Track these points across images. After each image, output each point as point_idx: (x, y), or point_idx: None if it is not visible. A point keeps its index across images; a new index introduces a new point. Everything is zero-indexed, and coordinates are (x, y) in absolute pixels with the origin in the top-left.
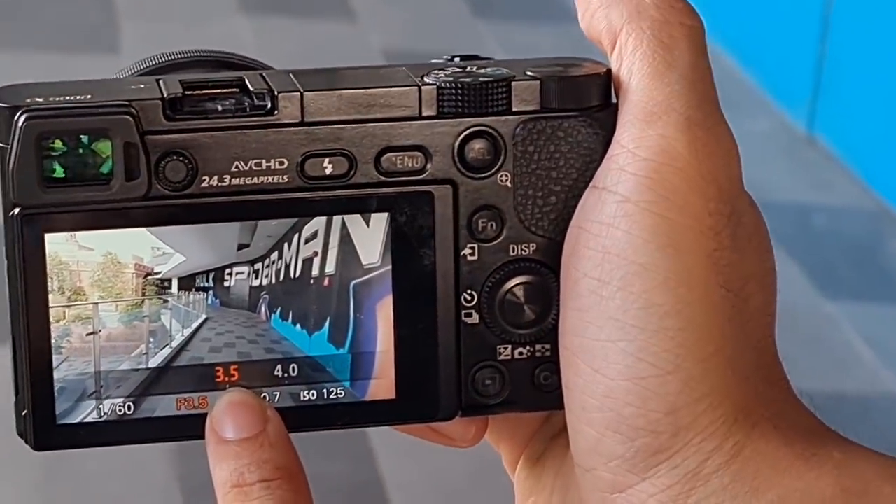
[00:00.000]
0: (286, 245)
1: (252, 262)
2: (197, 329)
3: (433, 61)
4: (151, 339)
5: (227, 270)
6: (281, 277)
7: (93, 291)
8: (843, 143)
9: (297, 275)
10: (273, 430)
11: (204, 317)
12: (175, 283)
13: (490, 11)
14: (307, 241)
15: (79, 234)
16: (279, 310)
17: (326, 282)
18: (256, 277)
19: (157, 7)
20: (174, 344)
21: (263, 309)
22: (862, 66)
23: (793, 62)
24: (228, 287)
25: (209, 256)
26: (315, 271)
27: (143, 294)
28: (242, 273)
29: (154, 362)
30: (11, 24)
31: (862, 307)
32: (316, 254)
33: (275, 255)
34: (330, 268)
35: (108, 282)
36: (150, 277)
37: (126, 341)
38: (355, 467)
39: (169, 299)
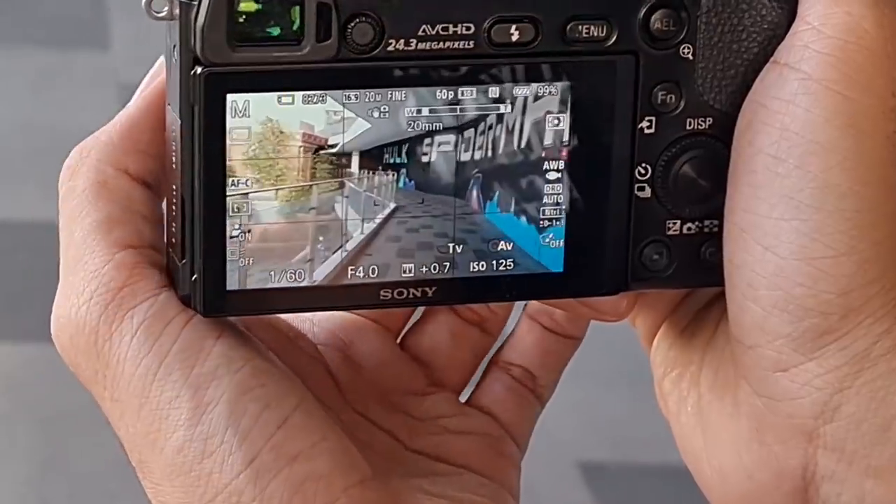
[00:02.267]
0: (486, 114)
1: (460, 129)
2: (383, 223)
3: None
4: (321, 238)
5: (427, 140)
6: (492, 152)
7: (244, 172)
8: None
9: (502, 149)
10: None
11: (393, 205)
12: (356, 159)
13: None
14: (500, 111)
15: (254, 95)
16: (497, 194)
17: (521, 156)
18: (467, 149)
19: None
20: (350, 245)
21: (475, 193)
22: None
23: None
24: (428, 163)
25: (399, 125)
26: (513, 145)
27: (313, 174)
28: (447, 143)
29: (320, 274)
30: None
31: None
32: (511, 125)
33: (482, 125)
34: (522, 140)
35: (264, 160)
36: (322, 152)
37: (285, 242)
38: None
39: (346, 181)
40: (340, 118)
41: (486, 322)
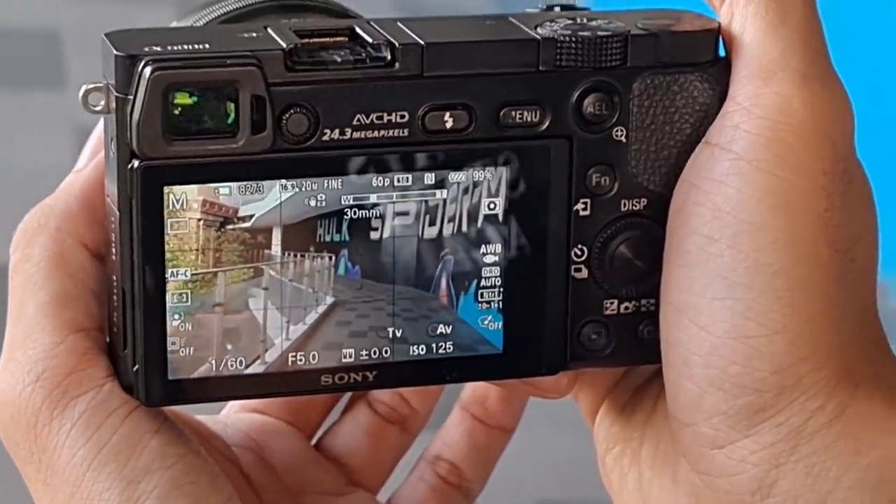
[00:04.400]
0: (424, 200)
1: (413, 196)
2: (314, 328)
3: (530, 11)
4: (229, 346)
5: (377, 208)
6: (430, 238)
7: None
8: None
9: (439, 234)
10: None
11: (330, 300)
12: (276, 237)
13: None
14: (436, 197)
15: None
16: (466, 282)
17: (458, 240)
18: (431, 223)
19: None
20: (269, 357)
21: (443, 280)
22: None
23: None
24: (378, 241)
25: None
26: (450, 229)
27: (216, 258)
28: (406, 214)
29: (237, 372)
30: None
31: None
32: (448, 210)
33: (421, 211)
34: (459, 225)
35: (178, 243)
36: (230, 227)
37: (189, 343)
38: None
39: (265, 267)
40: (255, 185)
41: (406, 420)
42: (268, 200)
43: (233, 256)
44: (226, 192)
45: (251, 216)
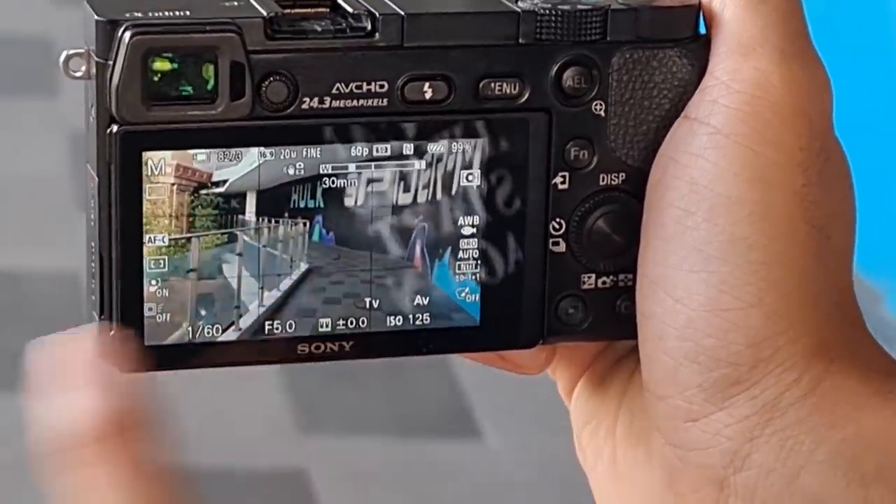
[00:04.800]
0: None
1: (397, 162)
2: (289, 294)
3: None
4: (203, 312)
5: (351, 176)
6: (408, 207)
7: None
8: None
9: (417, 205)
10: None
11: (305, 266)
12: (251, 202)
13: None
14: (415, 167)
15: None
16: (442, 251)
17: (436, 211)
18: (406, 191)
19: None
20: (244, 323)
21: (418, 249)
22: None
23: None
24: (353, 208)
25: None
26: (428, 200)
27: (190, 223)
28: (380, 180)
29: (214, 339)
30: None
31: None
32: (426, 181)
33: (399, 180)
34: (437, 196)
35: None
36: (203, 192)
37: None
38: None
39: (239, 233)
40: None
41: None
42: (242, 165)
43: (207, 222)
44: (201, 158)
45: (225, 181)
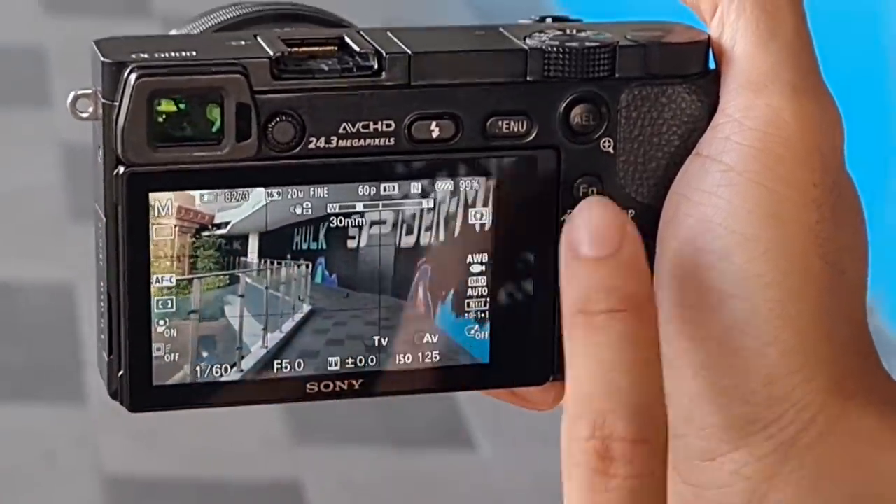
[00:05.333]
0: (410, 209)
1: (397, 205)
2: (292, 334)
3: (522, 22)
4: (205, 353)
5: (356, 217)
6: (417, 247)
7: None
8: None
9: (426, 243)
10: (627, 251)
11: (307, 308)
12: (253, 244)
13: None
14: (422, 206)
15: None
16: (446, 294)
17: (445, 250)
18: (409, 232)
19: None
20: (246, 364)
21: (421, 292)
22: None
23: None
24: (356, 249)
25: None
26: (437, 239)
27: (192, 266)
28: (383, 222)
29: (245, 367)
30: None
31: None
32: (434, 219)
33: (406, 220)
34: (445, 234)
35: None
36: (206, 233)
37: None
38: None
39: (241, 275)
40: (233, 193)
41: None
42: (245, 207)
43: (209, 263)
44: (205, 199)
45: (227, 223)
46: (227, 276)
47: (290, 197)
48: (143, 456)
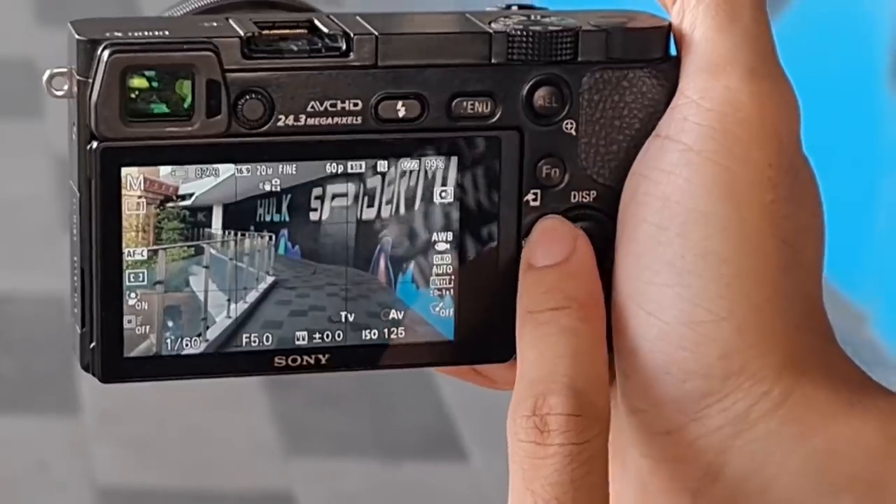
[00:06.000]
0: (375, 187)
1: (359, 178)
2: (256, 305)
3: (490, 9)
4: (170, 323)
5: (317, 189)
6: (382, 224)
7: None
8: None
9: (392, 221)
10: (576, 260)
11: (271, 279)
12: (217, 215)
13: None
14: (389, 184)
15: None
16: (407, 265)
17: (411, 228)
18: (370, 204)
19: None
20: (211, 335)
21: (382, 263)
22: None
23: None
24: (318, 221)
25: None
26: (403, 217)
27: (157, 237)
28: (344, 195)
29: (212, 340)
30: None
31: None
32: (400, 197)
33: (373, 197)
34: (411, 212)
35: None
36: (170, 205)
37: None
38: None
39: (205, 246)
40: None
41: None
42: (209, 179)
43: (173, 234)
44: (167, 171)
45: (191, 194)
46: (192, 248)
47: (257, 173)
48: (135, 466)
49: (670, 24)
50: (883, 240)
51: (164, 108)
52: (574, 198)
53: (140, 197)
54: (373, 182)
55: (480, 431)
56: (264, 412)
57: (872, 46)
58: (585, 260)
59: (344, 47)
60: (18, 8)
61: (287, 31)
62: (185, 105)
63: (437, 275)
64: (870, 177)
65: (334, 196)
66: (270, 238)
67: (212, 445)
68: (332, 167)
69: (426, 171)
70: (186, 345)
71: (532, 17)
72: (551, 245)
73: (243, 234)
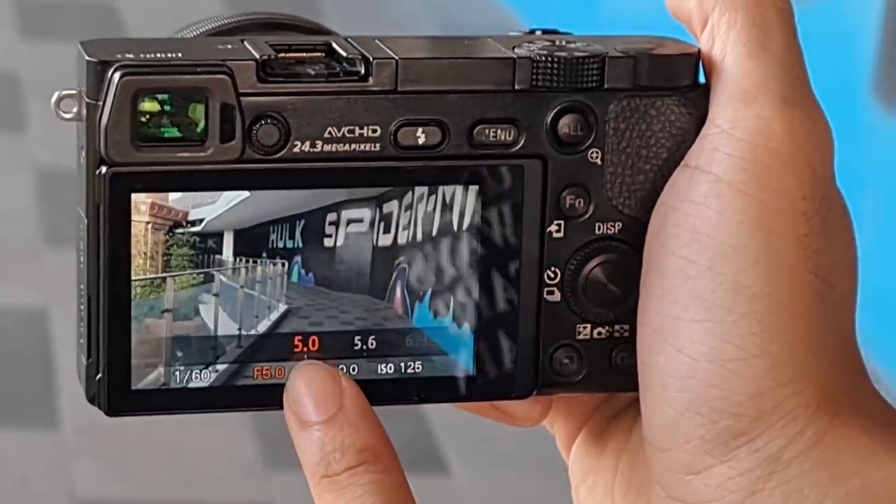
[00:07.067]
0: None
1: (377, 202)
2: (268, 333)
3: (513, 34)
4: (180, 354)
5: (332, 215)
6: (402, 254)
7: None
8: None
9: (411, 251)
10: (350, 406)
11: (283, 307)
12: (228, 242)
13: None
14: (408, 213)
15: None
16: (425, 293)
17: (430, 257)
18: (387, 230)
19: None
20: (221, 366)
21: (399, 291)
22: None
23: None
24: (333, 248)
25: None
26: (422, 246)
27: (166, 264)
28: (360, 221)
29: (220, 375)
30: None
31: None
32: (420, 227)
33: (391, 227)
34: (430, 242)
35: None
36: (179, 230)
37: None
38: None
39: (216, 273)
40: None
41: None
42: (219, 204)
43: (183, 261)
44: (176, 196)
45: (201, 220)
46: (202, 275)
47: (270, 198)
48: (115, 481)
49: (699, 51)
50: (866, 255)
51: (176, 133)
52: (598, 229)
53: (148, 222)
54: (389, 207)
55: (463, 446)
56: (246, 425)
57: (856, 60)
58: (361, 403)
59: (363, 72)
60: (1, 21)
61: (304, 54)
62: (198, 130)
63: (457, 307)
64: (853, 191)
65: (349, 222)
66: (283, 265)
67: (193, 459)
68: (347, 195)
69: (445, 199)
70: (195, 377)
71: (557, 43)
72: (320, 394)
73: (255, 261)
